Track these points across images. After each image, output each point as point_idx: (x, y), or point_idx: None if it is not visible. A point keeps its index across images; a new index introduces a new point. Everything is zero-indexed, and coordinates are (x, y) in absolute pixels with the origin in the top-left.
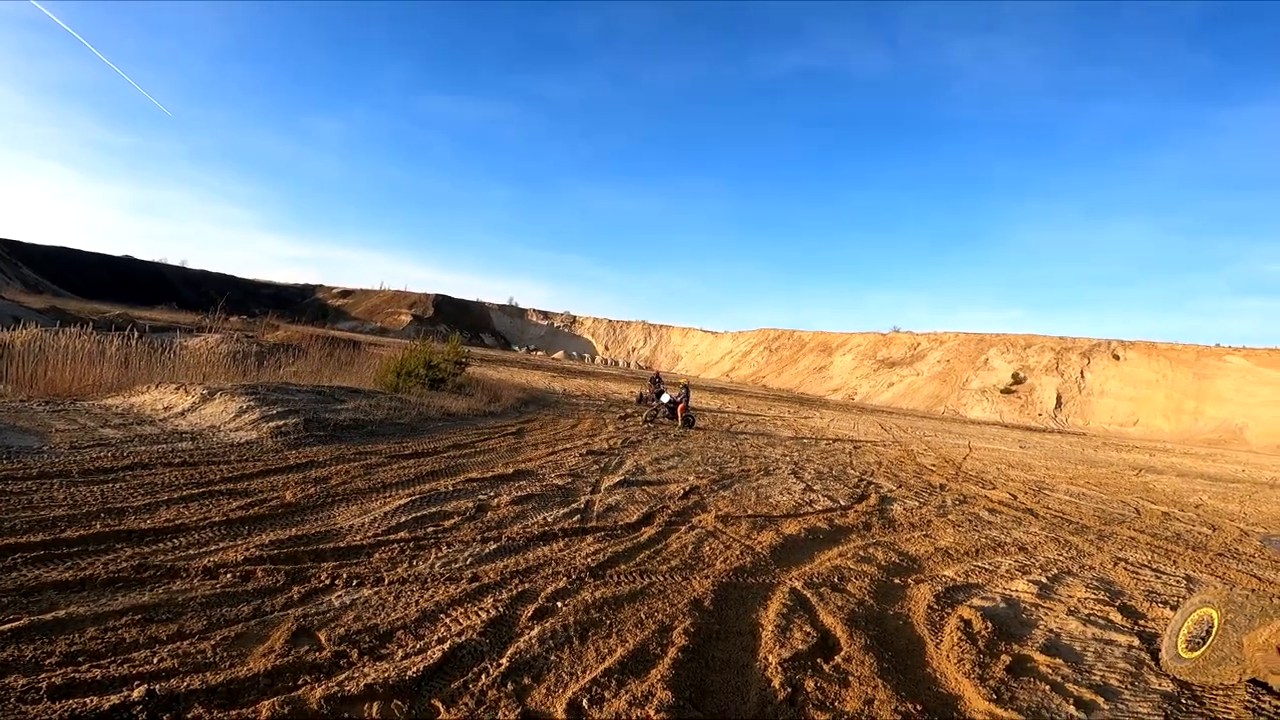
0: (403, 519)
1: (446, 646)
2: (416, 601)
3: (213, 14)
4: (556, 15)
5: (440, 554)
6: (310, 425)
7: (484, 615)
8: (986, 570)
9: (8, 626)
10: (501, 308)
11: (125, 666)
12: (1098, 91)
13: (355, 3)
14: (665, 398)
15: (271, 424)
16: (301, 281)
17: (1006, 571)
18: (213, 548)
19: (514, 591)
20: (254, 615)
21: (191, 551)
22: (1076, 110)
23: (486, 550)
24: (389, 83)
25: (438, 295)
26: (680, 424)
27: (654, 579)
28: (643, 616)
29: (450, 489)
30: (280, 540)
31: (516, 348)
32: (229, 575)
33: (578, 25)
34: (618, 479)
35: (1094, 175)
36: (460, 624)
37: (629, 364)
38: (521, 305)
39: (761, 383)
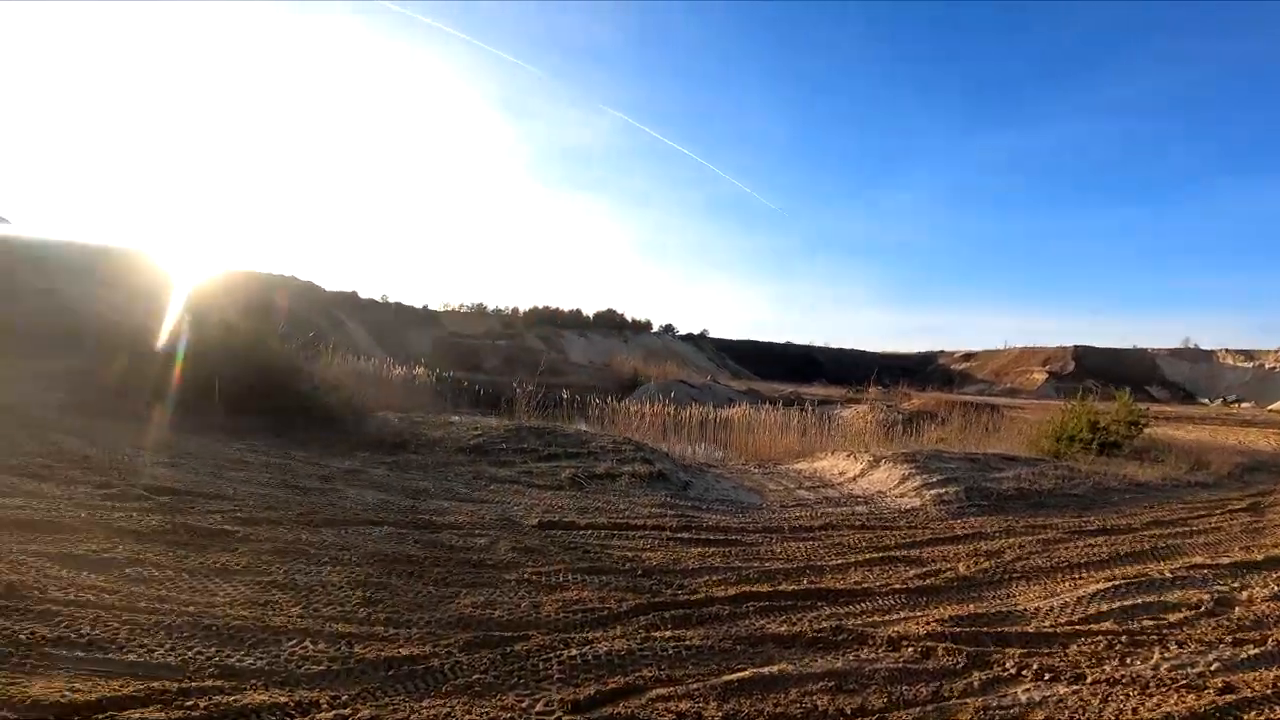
0: (1103, 607)
1: None
2: (1133, 708)
3: (778, 110)
4: None
5: (1167, 653)
6: (971, 494)
7: None
8: None
9: (735, 676)
10: (1173, 352)
11: None
12: None
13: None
14: None
15: (933, 492)
16: (920, 349)
17: None
18: (894, 616)
19: None
20: (932, 699)
21: (876, 618)
22: None
23: (1241, 656)
24: (937, 133)
25: (1076, 346)
26: None
27: None
28: None
29: (1166, 575)
30: (958, 616)
31: (1205, 400)
32: (910, 649)
33: None
34: None
35: None
36: None
37: None
38: (1204, 346)
39: None
